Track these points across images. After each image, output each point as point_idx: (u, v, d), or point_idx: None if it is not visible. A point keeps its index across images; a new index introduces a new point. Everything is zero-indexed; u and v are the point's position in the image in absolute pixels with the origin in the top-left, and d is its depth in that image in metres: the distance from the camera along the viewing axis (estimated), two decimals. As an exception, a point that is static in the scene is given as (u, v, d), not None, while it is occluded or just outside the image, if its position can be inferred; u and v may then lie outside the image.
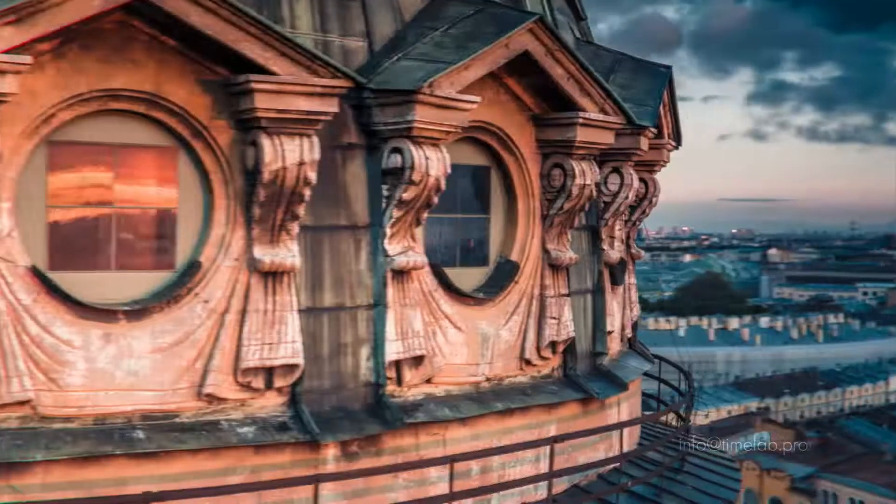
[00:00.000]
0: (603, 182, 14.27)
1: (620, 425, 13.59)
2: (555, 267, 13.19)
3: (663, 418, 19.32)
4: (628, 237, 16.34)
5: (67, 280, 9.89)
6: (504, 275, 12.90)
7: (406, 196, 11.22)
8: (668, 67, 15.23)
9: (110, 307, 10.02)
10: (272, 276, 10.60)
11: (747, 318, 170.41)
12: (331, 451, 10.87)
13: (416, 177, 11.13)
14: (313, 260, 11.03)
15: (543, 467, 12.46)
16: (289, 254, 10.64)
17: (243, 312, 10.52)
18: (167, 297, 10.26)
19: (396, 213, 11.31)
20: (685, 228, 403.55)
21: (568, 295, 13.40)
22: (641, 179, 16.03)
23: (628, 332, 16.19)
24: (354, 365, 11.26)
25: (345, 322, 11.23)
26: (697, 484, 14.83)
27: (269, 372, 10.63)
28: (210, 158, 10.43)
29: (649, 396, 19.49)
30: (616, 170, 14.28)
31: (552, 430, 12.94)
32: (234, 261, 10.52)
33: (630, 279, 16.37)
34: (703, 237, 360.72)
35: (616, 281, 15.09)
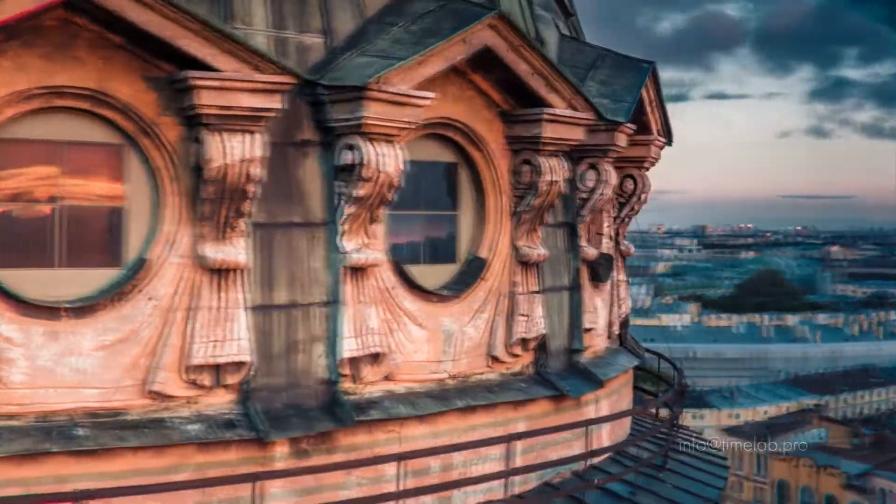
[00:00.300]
0: (580, 178, 14.00)
1: (588, 423, 13.18)
2: (525, 264, 12.94)
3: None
4: (618, 234, 16.04)
5: (12, 277, 9.82)
6: (472, 272, 12.66)
7: (359, 193, 11.02)
8: (651, 63, 14.88)
9: (54, 304, 9.93)
10: (220, 273, 10.46)
11: (805, 315, 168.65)
12: (280, 449, 10.69)
13: (368, 173, 10.93)
14: (266, 257, 10.85)
15: (510, 465, 12.25)
16: (237, 251, 10.49)
17: (191, 310, 10.39)
18: (113, 294, 10.16)
19: (350, 210, 11.12)
20: (747, 226, 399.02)
21: (539, 292, 13.13)
22: (629, 175, 15.78)
23: (616, 329, 15.88)
24: (308, 362, 11.08)
25: (298, 319, 11.04)
26: (679, 482, 14.48)
27: (218, 369, 10.50)
28: (158, 155, 10.32)
29: (648, 393, 19.15)
30: (592, 166, 13.98)
31: (520, 428, 12.64)
32: (182, 258, 10.40)
33: (619, 276, 16.08)
34: (766, 234, 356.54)
35: (599, 278, 14.78)
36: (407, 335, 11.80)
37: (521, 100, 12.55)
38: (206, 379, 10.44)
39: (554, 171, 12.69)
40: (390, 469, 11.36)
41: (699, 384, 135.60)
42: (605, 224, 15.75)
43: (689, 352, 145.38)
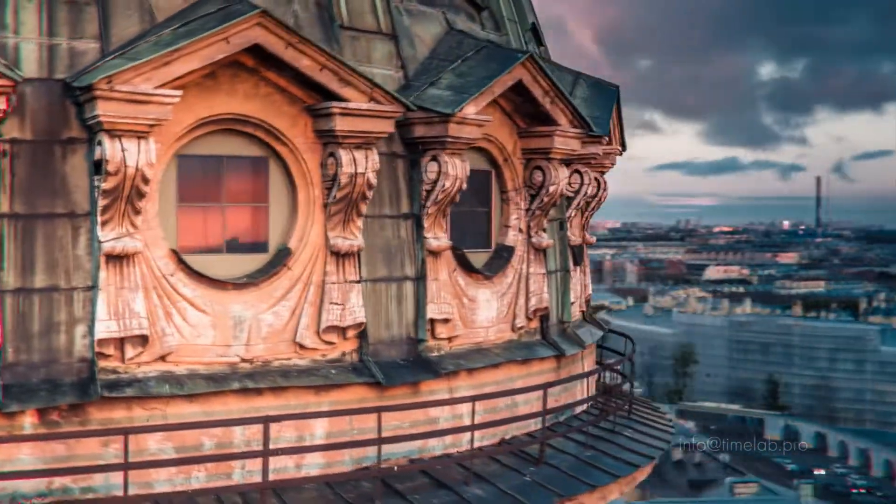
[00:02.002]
0: (423, 170, 13.75)
1: (379, 409, 12.55)
2: (337, 254, 12.91)
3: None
4: (529, 226, 15.51)
5: None
6: (277, 261, 12.78)
7: (107, 186, 11.42)
8: (524, 52, 14.29)
9: None
10: (-31, 259, 11.21)
11: None
12: (30, 420, 11.30)
13: (112, 168, 11.33)
14: (24, 244, 11.45)
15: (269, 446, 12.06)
16: None
17: (-64, 292, 11.20)
18: None
19: (103, 202, 11.52)
20: None
21: (358, 281, 13.06)
22: (538, 167, 15.31)
23: (522, 322, 15.33)
24: (69, 342, 11.57)
25: (59, 302, 11.58)
26: (549, 477, 13.80)
27: (-25, 347, 11.24)
28: None
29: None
30: (434, 158, 13.68)
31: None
32: None
33: (535, 269, 15.54)
34: None
35: (474, 269, 14.46)
36: (186, 320, 12.09)
37: (323, 95, 12.58)
38: (-44, 355, 11.21)
39: (356, 163, 12.61)
40: (154, 443, 11.78)
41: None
42: (514, 216, 15.38)
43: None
